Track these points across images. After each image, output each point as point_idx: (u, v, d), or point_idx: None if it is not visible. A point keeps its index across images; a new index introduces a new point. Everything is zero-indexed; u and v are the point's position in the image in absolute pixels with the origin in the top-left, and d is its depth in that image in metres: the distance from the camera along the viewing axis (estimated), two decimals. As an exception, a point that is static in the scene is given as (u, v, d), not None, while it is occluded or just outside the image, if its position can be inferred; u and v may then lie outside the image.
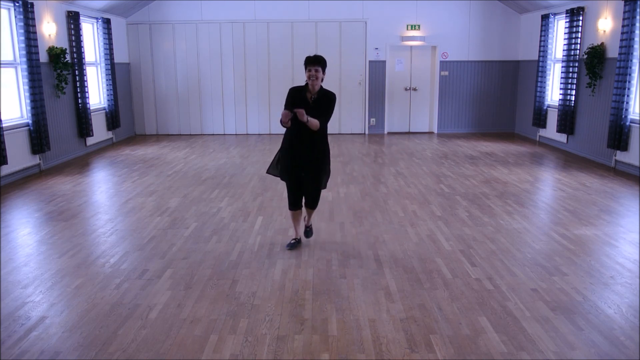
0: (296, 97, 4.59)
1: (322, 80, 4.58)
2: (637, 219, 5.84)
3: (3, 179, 7.55)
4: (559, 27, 10.57)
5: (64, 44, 9.36)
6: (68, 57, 9.27)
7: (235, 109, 12.58)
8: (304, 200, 4.91)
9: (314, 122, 4.47)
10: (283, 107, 4.66)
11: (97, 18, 10.75)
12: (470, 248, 4.96)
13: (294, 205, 4.88)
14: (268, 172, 4.98)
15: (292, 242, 5.00)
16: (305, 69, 4.56)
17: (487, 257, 4.72)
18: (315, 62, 4.51)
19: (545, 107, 10.96)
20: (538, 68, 11.01)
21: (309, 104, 4.56)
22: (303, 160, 4.66)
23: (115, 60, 11.42)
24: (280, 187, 7.32)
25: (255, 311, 3.74)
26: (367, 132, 12.70)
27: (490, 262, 4.62)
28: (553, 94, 10.90)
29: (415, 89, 12.75)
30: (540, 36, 10.89)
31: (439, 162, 9.09)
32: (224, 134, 12.63)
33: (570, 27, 9.66)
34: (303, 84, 4.69)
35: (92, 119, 10.23)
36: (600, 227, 5.54)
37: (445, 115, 12.74)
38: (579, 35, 9.53)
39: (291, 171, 4.73)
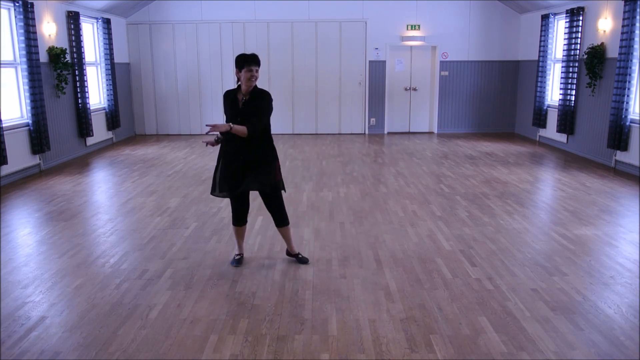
0: (228, 101, 4.23)
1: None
2: (637, 219, 5.84)
3: (3, 179, 7.55)
4: (559, 27, 10.57)
5: (64, 44, 9.36)
6: (68, 57, 9.27)
7: (235, 109, 12.55)
8: (273, 220, 4.51)
9: (240, 129, 4.04)
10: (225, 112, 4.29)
11: (97, 18, 10.75)
12: (470, 248, 4.96)
13: (238, 220, 4.47)
14: (213, 194, 4.50)
15: (237, 257, 4.61)
16: (242, 68, 4.09)
17: (487, 257, 4.72)
18: (257, 62, 4.14)
19: (545, 107, 10.96)
20: (538, 68, 11.01)
21: (239, 107, 4.20)
22: (244, 169, 4.23)
23: (115, 60, 11.42)
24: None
25: (255, 311, 3.74)
26: (367, 132, 12.70)
27: (490, 262, 4.62)
28: (553, 94, 10.90)
29: (415, 89, 12.75)
30: (540, 36, 10.89)
31: (439, 162, 9.09)
32: (224, 134, 12.60)
33: (570, 27, 9.66)
34: (235, 85, 4.28)
35: (92, 119, 10.23)
36: (600, 227, 5.54)
37: (445, 115, 12.74)
38: (579, 35, 9.52)
39: (232, 184, 4.28)
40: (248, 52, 4.43)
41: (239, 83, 4.21)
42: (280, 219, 4.48)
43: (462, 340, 3.34)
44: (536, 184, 7.55)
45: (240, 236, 4.61)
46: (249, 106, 4.18)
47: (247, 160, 4.23)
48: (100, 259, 4.75)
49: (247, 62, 4.09)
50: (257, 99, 4.19)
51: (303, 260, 4.64)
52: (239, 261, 4.60)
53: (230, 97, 4.25)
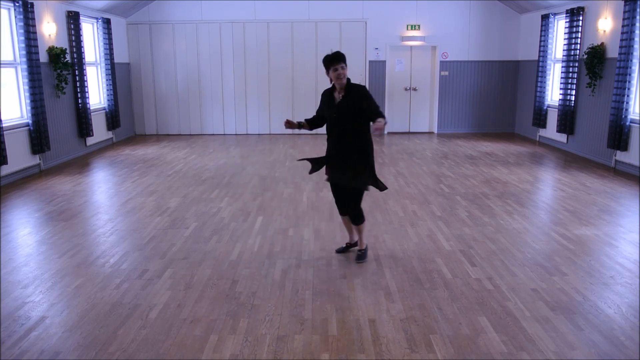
0: (324, 99, 4.49)
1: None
2: (637, 219, 5.84)
3: (3, 179, 7.55)
4: (559, 27, 10.57)
5: (64, 44, 9.36)
6: (68, 57, 9.27)
7: (235, 109, 12.58)
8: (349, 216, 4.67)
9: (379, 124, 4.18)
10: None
11: (97, 18, 10.75)
12: (470, 248, 4.96)
13: (341, 210, 4.70)
14: (308, 160, 4.64)
15: (343, 246, 4.89)
16: (329, 69, 4.30)
17: (487, 257, 4.72)
18: (341, 59, 4.29)
19: (545, 107, 10.96)
20: (538, 68, 11.01)
21: (335, 104, 4.38)
22: (342, 164, 4.41)
23: (115, 60, 11.43)
24: (280, 187, 7.32)
25: (255, 311, 3.74)
26: (367, 132, 12.68)
27: (490, 262, 4.62)
28: (553, 94, 10.90)
29: (415, 89, 12.75)
30: (540, 36, 10.89)
31: (439, 162, 9.09)
32: (224, 134, 12.63)
33: (570, 27, 9.66)
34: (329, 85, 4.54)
35: (92, 119, 10.23)
36: (600, 227, 5.54)
37: (445, 115, 12.74)
38: (579, 35, 9.52)
39: (331, 177, 4.52)
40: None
41: (333, 82, 4.40)
42: (352, 214, 4.59)
43: (462, 340, 3.34)
44: (536, 184, 7.55)
45: (348, 225, 4.78)
46: (347, 101, 4.32)
47: (347, 153, 4.38)
48: (100, 259, 4.75)
49: (332, 62, 4.28)
50: (355, 93, 4.33)
51: (359, 257, 4.68)
52: (344, 249, 4.86)
53: (326, 95, 4.49)
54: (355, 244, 4.88)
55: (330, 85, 4.51)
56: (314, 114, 4.61)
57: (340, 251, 4.86)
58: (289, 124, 4.45)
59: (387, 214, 6.06)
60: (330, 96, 4.44)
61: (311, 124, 4.60)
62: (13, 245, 5.14)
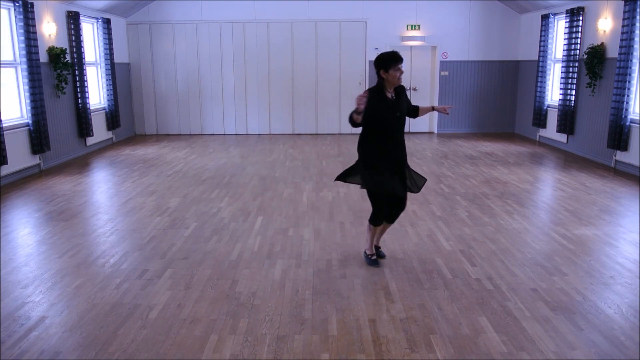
0: (376, 98, 4.18)
1: None
2: (637, 219, 5.84)
3: (3, 179, 7.55)
4: (559, 27, 10.57)
5: (64, 44, 9.36)
6: (68, 57, 9.27)
7: (235, 109, 12.57)
8: (387, 217, 4.51)
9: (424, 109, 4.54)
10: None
11: (97, 18, 10.75)
12: (470, 248, 4.96)
13: (381, 220, 4.48)
14: (346, 180, 4.54)
15: (374, 257, 4.58)
16: (390, 68, 4.12)
17: (487, 257, 4.72)
18: (402, 59, 4.17)
19: (545, 107, 10.96)
20: (538, 68, 11.01)
21: (393, 102, 4.24)
22: (399, 164, 4.33)
23: (115, 60, 11.42)
24: (280, 187, 7.32)
25: (255, 311, 3.74)
26: (367, 132, 12.67)
27: (490, 262, 4.62)
28: (553, 94, 10.90)
29: (415, 89, 12.75)
30: (540, 36, 10.89)
31: (439, 162, 9.09)
32: (224, 134, 12.63)
33: (570, 27, 9.66)
34: (372, 85, 4.39)
35: (92, 119, 10.23)
36: (600, 227, 5.54)
37: (445, 115, 12.72)
38: (579, 35, 9.53)
39: (390, 181, 4.29)
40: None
41: (382, 81, 4.22)
42: (396, 217, 4.56)
43: (462, 340, 3.34)
44: (536, 184, 7.55)
45: (375, 234, 4.58)
46: (400, 101, 4.31)
47: (403, 156, 4.37)
48: (100, 259, 4.76)
49: (395, 61, 4.15)
50: (401, 93, 4.34)
51: (381, 255, 4.69)
52: (376, 261, 4.55)
53: (378, 95, 4.22)
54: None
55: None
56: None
57: (377, 263, 4.56)
58: (362, 101, 3.87)
59: (387, 214, 6.06)
60: (384, 96, 4.21)
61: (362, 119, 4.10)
62: (13, 245, 5.14)
